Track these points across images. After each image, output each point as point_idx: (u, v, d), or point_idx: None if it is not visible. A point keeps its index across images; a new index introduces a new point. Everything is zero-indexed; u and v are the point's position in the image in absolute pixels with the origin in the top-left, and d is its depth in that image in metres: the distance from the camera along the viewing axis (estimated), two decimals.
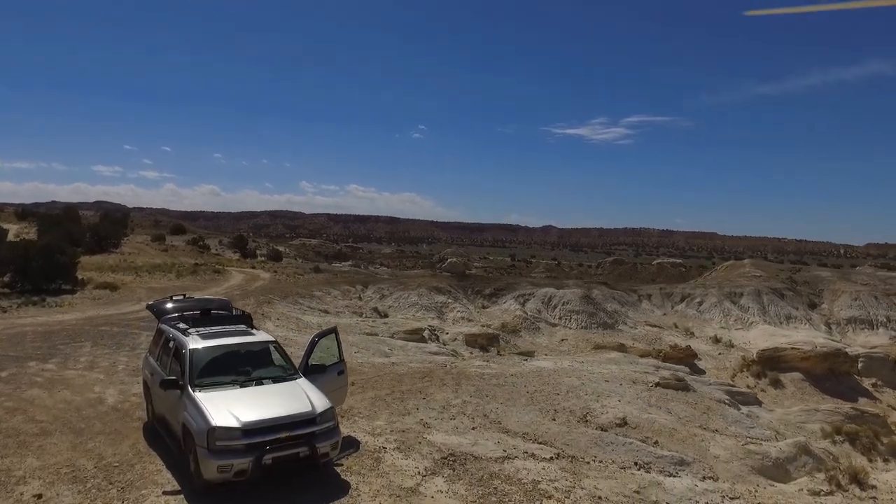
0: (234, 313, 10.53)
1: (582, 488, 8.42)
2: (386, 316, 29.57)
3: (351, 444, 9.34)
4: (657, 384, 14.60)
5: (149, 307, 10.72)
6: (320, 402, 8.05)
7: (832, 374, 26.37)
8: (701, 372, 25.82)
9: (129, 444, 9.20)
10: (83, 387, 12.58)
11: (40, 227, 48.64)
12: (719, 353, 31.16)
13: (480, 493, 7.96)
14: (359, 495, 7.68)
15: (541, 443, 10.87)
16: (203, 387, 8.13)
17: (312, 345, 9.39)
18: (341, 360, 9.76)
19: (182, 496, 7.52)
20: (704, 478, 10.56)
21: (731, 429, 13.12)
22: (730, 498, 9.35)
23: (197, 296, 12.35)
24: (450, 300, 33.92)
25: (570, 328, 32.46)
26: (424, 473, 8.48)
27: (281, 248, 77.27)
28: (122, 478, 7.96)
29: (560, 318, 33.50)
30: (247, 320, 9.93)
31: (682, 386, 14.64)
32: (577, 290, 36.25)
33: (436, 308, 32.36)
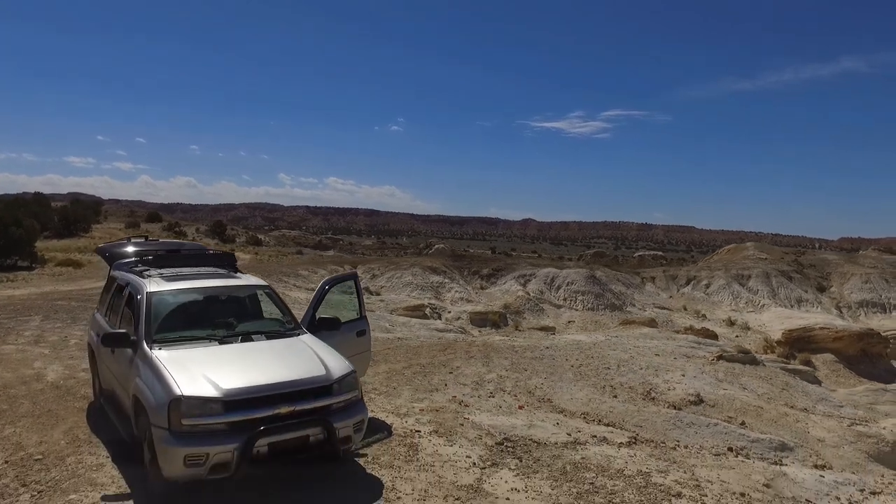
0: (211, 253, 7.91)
1: (709, 482, 6.01)
2: (379, 294, 26.98)
3: (380, 428, 6.83)
4: (720, 357, 12.26)
5: (99, 250, 8.05)
6: (337, 364, 5.49)
7: (865, 355, 24.37)
8: None
9: (63, 430, 6.59)
10: (20, 362, 9.96)
11: (6, 210, 45.29)
12: (736, 336, 29.07)
13: (575, 491, 5.47)
14: (399, 499, 5.17)
15: (607, 424, 8.48)
16: (166, 343, 5.54)
17: (322, 293, 6.80)
18: (362, 316, 7.15)
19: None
20: (815, 466, 8.28)
21: (821, 408, 10.85)
22: (871, 493, 7.03)
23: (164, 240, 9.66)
24: (446, 280, 31.35)
25: (577, 310, 30.10)
26: (482, 465, 6.01)
27: (261, 237, 74.07)
28: (44, 476, 5.32)
29: (565, 299, 31.12)
30: (229, 260, 7.22)
31: (749, 359, 12.31)
32: (581, 270, 33.94)
33: (432, 288, 29.77)
